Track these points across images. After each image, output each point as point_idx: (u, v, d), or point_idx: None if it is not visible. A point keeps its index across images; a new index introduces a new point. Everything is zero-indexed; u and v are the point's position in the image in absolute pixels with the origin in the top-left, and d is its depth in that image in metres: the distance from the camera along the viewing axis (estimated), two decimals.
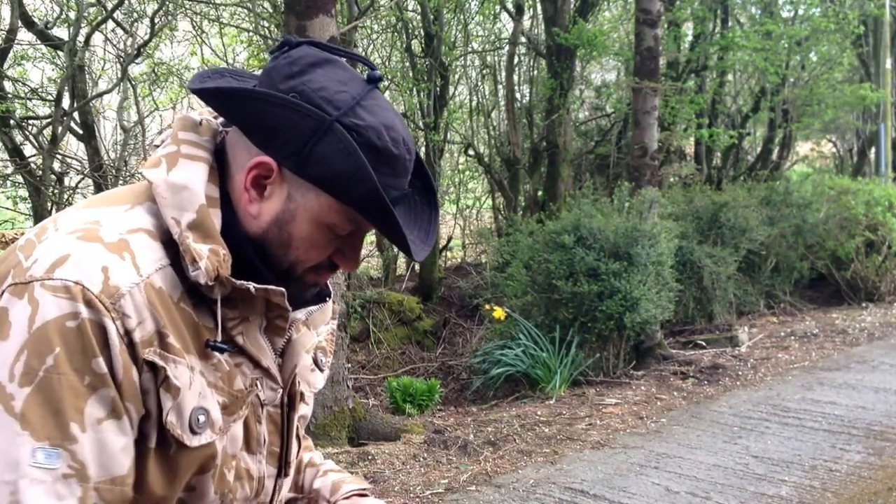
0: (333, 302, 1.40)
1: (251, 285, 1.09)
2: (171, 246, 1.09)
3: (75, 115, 5.92)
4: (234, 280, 1.08)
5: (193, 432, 1.09)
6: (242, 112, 1.10)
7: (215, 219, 1.11)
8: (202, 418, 1.09)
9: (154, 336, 1.04)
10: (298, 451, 1.38)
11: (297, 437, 1.34)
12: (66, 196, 5.99)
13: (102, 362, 1.00)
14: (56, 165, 6.03)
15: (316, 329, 1.31)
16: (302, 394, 1.31)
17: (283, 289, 1.12)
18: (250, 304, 1.14)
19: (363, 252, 10.13)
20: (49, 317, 0.99)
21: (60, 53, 6.03)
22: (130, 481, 1.04)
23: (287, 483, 1.31)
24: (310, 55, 1.11)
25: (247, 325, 1.15)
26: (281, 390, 1.23)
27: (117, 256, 1.05)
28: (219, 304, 1.10)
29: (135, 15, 6.76)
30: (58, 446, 0.98)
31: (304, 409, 1.36)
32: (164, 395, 1.05)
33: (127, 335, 1.02)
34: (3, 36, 5.74)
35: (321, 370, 1.36)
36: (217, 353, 1.11)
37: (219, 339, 1.10)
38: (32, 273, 1.02)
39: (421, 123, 8.66)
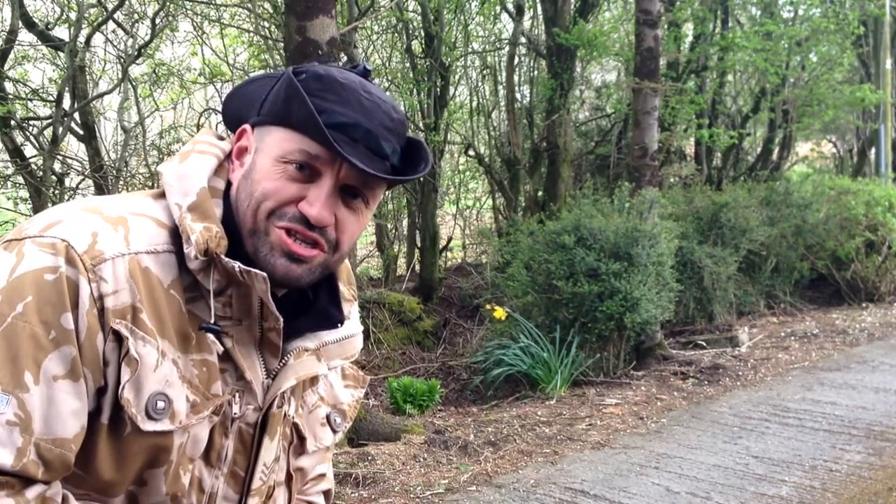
0: (360, 371, 1.38)
1: (237, 265, 1.09)
2: (178, 235, 1.11)
3: (76, 115, 5.93)
4: (222, 256, 1.09)
5: (149, 416, 1.07)
6: (234, 95, 1.22)
7: (216, 207, 1.14)
8: (161, 404, 1.07)
9: (128, 309, 1.05)
10: (290, 501, 1.31)
11: (289, 485, 1.29)
12: (66, 197, 5.99)
13: (71, 319, 1.01)
14: (57, 166, 6.04)
15: (329, 361, 1.27)
16: (304, 440, 1.28)
17: (265, 273, 1.09)
18: (245, 304, 1.13)
19: (363, 252, 10.08)
20: (29, 268, 1.02)
21: (61, 54, 6.03)
22: (74, 448, 1.03)
23: None
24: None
25: (239, 329, 1.14)
26: (258, 410, 1.19)
27: (111, 227, 1.07)
28: (212, 292, 1.10)
29: (135, 16, 6.77)
30: (9, 393, 0.98)
31: (304, 461, 1.30)
32: (124, 367, 1.05)
33: (100, 299, 1.03)
34: (4, 36, 5.75)
35: (334, 431, 1.33)
36: (211, 335, 1.11)
37: (212, 321, 1.10)
38: (28, 231, 1.06)
39: (421, 124, 8.66)
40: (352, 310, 1.32)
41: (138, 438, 1.07)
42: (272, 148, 1.12)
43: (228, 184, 1.17)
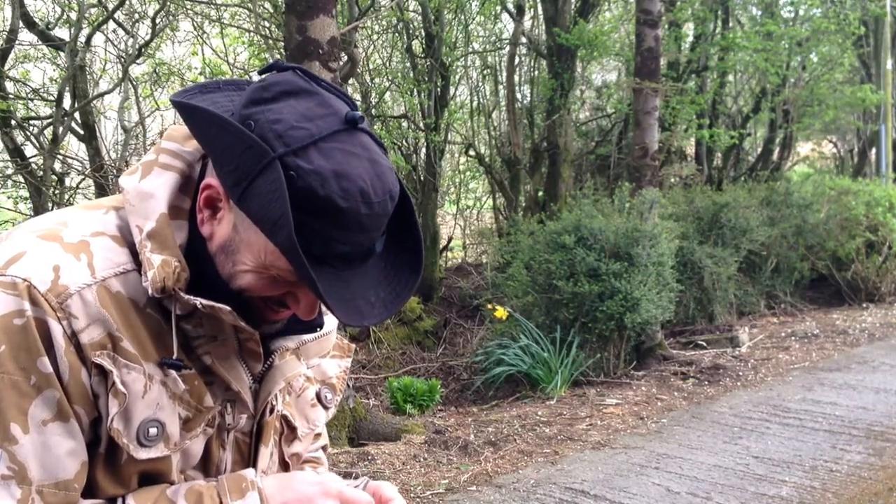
0: (345, 339, 1.33)
1: (198, 301, 1.03)
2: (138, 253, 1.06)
3: (76, 115, 5.93)
4: (182, 294, 1.03)
5: (141, 444, 1.04)
6: (199, 130, 1.06)
7: (178, 230, 1.07)
8: (154, 431, 1.05)
9: (106, 339, 1.01)
10: None
11: (286, 471, 1.27)
12: (66, 196, 5.99)
13: (48, 362, 0.98)
14: (57, 166, 6.04)
15: (308, 360, 1.25)
16: (294, 429, 1.26)
17: (229, 308, 1.05)
18: (216, 323, 1.09)
19: None
20: None
21: (61, 54, 6.04)
22: (78, 487, 1.02)
23: None
24: (287, 82, 1.03)
25: (215, 345, 1.10)
26: (251, 418, 1.17)
27: (73, 257, 1.03)
28: (174, 319, 1.06)
29: (136, 15, 6.77)
30: None
31: (298, 446, 1.29)
32: (112, 400, 1.02)
33: (74, 336, 1.00)
34: (5, 36, 5.75)
35: (325, 408, 1.30)
36: (173, 371, 1.06)
37: (175, 355, 1.05)
38: None
39: (421, 124, 8.66)
40: None
41: (135, 465, 1.06)
42: (258, 251, 1.03)
43: (195, 201, 1.10)
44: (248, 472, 1.12)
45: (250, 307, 1.09)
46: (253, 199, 0.99)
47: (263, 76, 1.07)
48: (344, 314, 1.00)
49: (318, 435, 1.39)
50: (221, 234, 1.06)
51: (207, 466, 1.15)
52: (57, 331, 0.99)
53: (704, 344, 7.18)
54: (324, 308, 1.24)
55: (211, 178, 1.06)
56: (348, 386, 4.85)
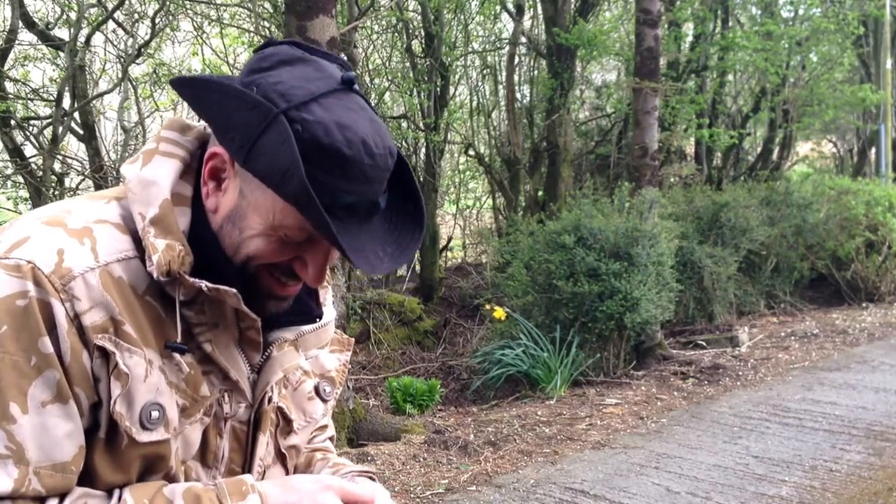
0: (344, 332, 1.35)
1: (203, 284, 1.05)
2: (140, 240, 1.08)
3: (76, 115, 5.93)
4: (186, 277, 1.05)
5: (144, 427, 1.06)
6: (201, 101, 1.08)
7: (181, 216, 1.09)
8: (156, 414, 1.06)
9: (108, 322, 1.02)
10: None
11: (284, 464, 1.29)
12: (66, 196, 5.99)
13: (49, 343, 0.99)
14: (57, 166, 6.04)
15: (306, 352, 1.27)
16: (291, 421, 1.26)
17: (234, 290, 1.07)
18: (218, 310, 1.11)
19: None
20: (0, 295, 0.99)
21: (61, 54, 6.04)
22: (75, 469, 1.03)
23: None
24: (283, 53, 1.08)
25: (216, 332, 1.12)
26: (249, 407, 1.19)
27: (77, 241, 1.04)
28: (177, 303, 1.07)
29: (136, 15, 6.77)
30: None
31: (294, 439, 1.30)
32: (114, 382, 1.03)
33: (76, 318, 1.01)
34: (5, 36, 5.75)
35: (324, 400, 1.31)
36: (177, 355, 1.08)
37: (178, 339, 1.07)
38: None
39: (421, 124, 8.67)
40: (326, 295, 1.31)
41: (136, 449, 1.07)
42: (266, 211, 1.05)
43: (197, 188, 1.12)
44: (247, 477, 1.13)
45: (256, 284, 1.11)
46: (259, 157, 1.01)
47: (262, 51, 1.10)
48: (356, 260, 1.03)
49: (323, 427, 1.42)
50: (227, 204, 1.09)
51: (205, 455, 1.16)
52: (59, 312, 1.00)
53: (704, 344, 7.19)
54: (322, 299, 1.28)
55: (215, 147, 1.08)
56: (348, 387, 4.85)
